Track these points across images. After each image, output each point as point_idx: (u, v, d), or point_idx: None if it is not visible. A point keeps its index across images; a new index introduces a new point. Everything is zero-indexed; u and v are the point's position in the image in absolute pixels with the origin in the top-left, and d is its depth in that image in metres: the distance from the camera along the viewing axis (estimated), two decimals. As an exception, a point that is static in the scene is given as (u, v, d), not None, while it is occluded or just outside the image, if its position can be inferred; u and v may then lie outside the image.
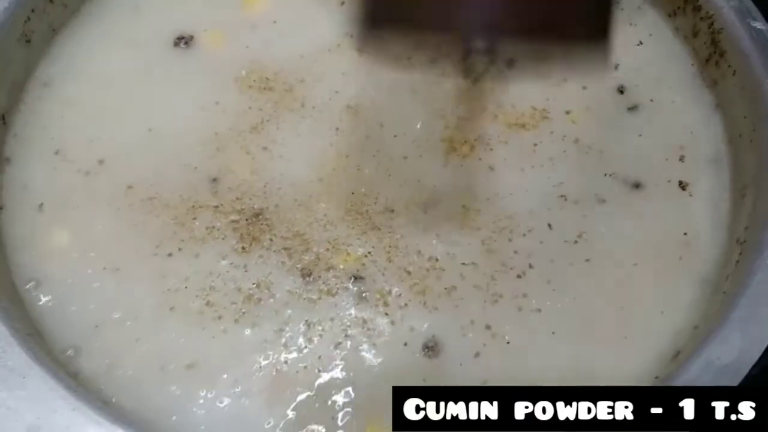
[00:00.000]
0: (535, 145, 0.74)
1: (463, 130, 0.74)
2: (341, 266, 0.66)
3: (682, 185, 0.74)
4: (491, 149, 0.74)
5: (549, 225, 0.70)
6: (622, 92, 0.80)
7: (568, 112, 0.77)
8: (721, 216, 0.73)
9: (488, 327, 0.65)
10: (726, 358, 0.60)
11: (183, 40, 0.81)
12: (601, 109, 0.78)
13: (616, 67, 0.81)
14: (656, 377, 0.65)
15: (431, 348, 0.64)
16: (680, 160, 0.76)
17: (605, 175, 0.73)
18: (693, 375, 0.60)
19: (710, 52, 0.80)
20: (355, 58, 0.77)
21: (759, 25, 0.76)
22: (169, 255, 0.67)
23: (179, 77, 0.78)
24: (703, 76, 0.81)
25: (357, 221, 0.68)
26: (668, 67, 0.82)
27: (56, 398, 0.58)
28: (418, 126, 0.74)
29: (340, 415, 0.61)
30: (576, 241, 0.70)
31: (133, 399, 0.62)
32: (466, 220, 0.70)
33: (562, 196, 0.72)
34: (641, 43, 0.84)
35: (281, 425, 0.60)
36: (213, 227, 0.68)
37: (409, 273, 0.66)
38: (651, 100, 0.79)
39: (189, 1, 0.83)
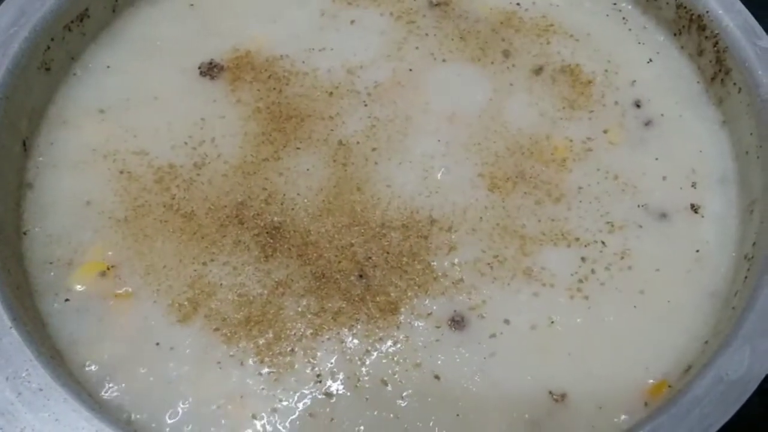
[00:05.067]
0: (580, 188, 0.77)
1: (503, 166, 0.78)
2: (349, 267, 0.72)
3: (695, 208, 0.77)
4: (534, 186, 0.77)
5: (603, 242, 0.75)
6: (639, 107, 0.82)
7: (605, 131, 0.81)
8: (729, 233, 0.75)
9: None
10: (735, 373, 0.62)
11: (210, 68, 0.83)
12: (628, 124, 0.81)
13: (633, 83, 0.84)
14: (669, 386, 0.67)
15: (457, 322, 0.70)
16: (693, 186, 0.78)
17: (638, 206, 0.77)
18: (704, 389, 0.61)
19: (716, 70, 0.81)
20: (352, 101, 0.81)
21: (764, 43, 0.78)
22: (204, 264, 0.72)
23: (208, 106, 0.81)
24: (709, 94, 0.83)
25: (361, 232, 0.74)
26: (676, 85, 0.84)
27: (80, 419, 0.60)
28: (412, 157, 0.79)
29: (363, 370, 0.68)
30: (622, 257, 0.74)
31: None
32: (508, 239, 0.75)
33: (609, 222, 0.76)
34: (651, 60, 0.85)
35: (318, 374, 0.67)
36: (239, 241, 0.73)
37: (406, 272, 0.72)
38: (662, 115, 0.82)
39: (210, 32, 0.86)
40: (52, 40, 0.79)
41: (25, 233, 0.73)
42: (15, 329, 0.63)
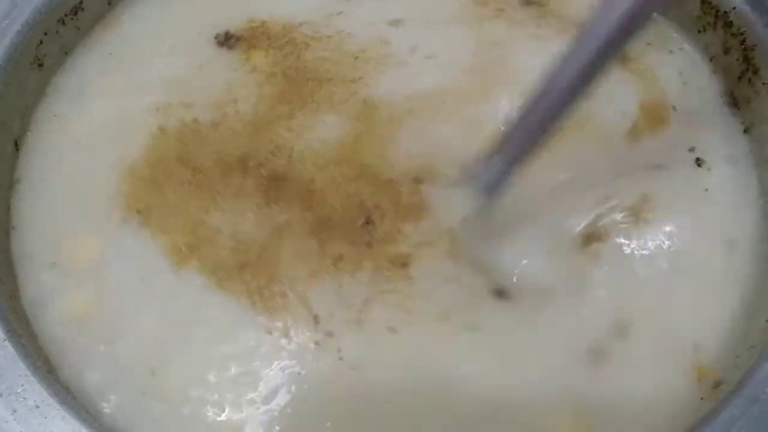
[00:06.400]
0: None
1: None
2: (355, 215, 0.70)
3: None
4: None
5: None
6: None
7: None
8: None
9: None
10: (773, 392, 0.59)
11: (227, 39, 0.81)
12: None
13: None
14: (702, 398, 0.64)
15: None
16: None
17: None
18: (739, 409, 0.58)
19: (743, 69, 0.78)
20: (374, 64, 0.80)
21: (795, 41, 0.75)
22: (206, 212, 0.71)
23: (222, 74, 0.80)
24: (735, 94, 0.79)
25: (369, 182, 0.72)
26: (699, 84, 0.81)
27: (79, 439, 0.57)
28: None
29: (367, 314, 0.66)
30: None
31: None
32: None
33: None
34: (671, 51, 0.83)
35: (315, 316, 0.66)
36: (242, 189, 0.71)
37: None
38: (685, 113, 0.79)
39: (223, 6, 0.85)
40: (45, 34, 0.76)
41: (13, 228, 0.71)
42: (9, 341, 0.61)
